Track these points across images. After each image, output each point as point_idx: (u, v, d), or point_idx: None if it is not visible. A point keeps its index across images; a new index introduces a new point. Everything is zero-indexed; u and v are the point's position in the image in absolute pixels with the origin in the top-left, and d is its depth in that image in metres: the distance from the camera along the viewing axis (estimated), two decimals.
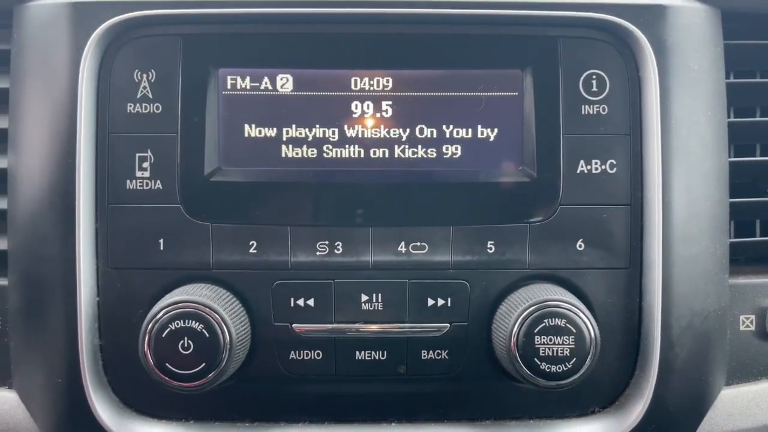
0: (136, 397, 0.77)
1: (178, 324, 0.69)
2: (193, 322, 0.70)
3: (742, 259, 0.85)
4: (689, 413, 0.78)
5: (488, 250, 0.76)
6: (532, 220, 0.76)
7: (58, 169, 0.75)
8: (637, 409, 0.75)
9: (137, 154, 0.75)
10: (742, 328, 0.80)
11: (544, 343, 0.70)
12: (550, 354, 0.70)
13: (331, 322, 0.75)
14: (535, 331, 0.70)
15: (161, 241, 0.75)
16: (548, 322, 0.70)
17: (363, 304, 0.75)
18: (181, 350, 0.69)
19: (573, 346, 0.70)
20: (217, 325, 0.70)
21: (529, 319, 0.70)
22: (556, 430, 0.76)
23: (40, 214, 0.76)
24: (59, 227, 0.75)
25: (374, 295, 0.75)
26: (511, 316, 0.71)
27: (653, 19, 0.75)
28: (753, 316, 0.80)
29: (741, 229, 0.85)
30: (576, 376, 0.70)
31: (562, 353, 0.70)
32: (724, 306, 0.78)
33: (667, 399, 0.76)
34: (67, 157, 0.75)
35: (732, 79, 0.83)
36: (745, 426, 0.78)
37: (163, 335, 0.69)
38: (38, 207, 0.76)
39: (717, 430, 0.78)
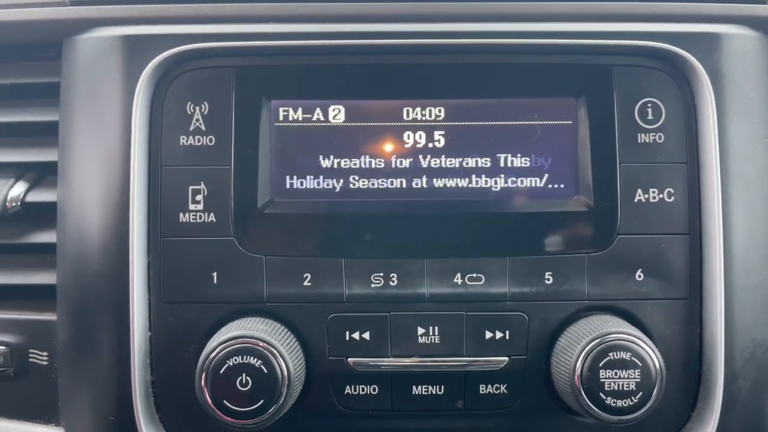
0: None
1: (236, 360, 0.68)
2: (251, 357, 0.68)
3: None
4: None
5: (546, 281, 0.74)
6: (590, 250, 0.75)
7: (111, 202, 0.75)
8: None
9: (190, 187, 0.75)
10: None
11: (609, 377, 0.68)
12: (616, 388, 0.68)
13: (388, 356, 0.74)
14: (600, 365, 0.68)
15: (214, 274, 0.74)
16: (613, 355, 0.69)
17: (419, 338, 0.74)
18: (239, 387, 0.68)
19: (639, 380, 0.68)
20: (275, 360, 0.69)
21: (593, 352, 0.69)
22: None
23: (92, 247, 0.75)
24: (111, 261, 0.74)
25: (431, 328, 0.74)
26: (574, 349, 0.70)
27: (709, 47, 0.75)
28: None
29: None
30: (642, 410, 0.68)
31: (628, 387, 0.68)
32: None
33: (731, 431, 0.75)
34: (120, 190, 0.74)
35: None
36: None
37: (221, 372, 0.68)
38: (89, 240, 0.75)
39: None
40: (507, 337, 0.74)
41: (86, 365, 0.76)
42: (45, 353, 0.78)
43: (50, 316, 0.78)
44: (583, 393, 0.68)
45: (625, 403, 0.68)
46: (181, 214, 0.75)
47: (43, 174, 0.81)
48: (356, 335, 0.74)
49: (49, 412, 0.78)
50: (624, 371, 0.68)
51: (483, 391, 0.74)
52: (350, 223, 0.75)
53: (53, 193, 0.78)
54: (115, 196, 0.75)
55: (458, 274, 0.75)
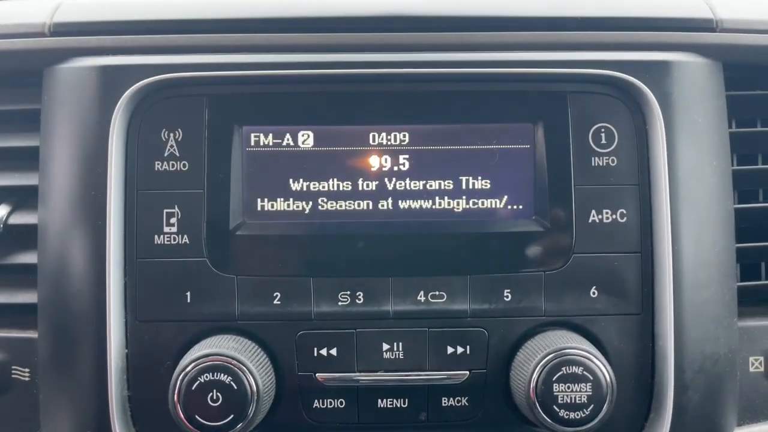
0: None
1: (207, 377, 0.72)
2: (222, 374, 0.72)
3: (748, 301, 0.87)
4: None
5: (505, 299, 0.78)
6: (546, 268, 0.78)
7: (89, 224, 0.78)
8: None
9: (165, 210, 0.78)
10: (751, 369, 0.83)
11: (562, 391, 0.72)
12: (569, 401, 0.72)
13: (354, 371, 0.77)
14: (554, 378, 0.72)
15: (188, 294, 0.78)
16: (566, 369, 0.72)
17: (384, 353, 0.77)
18: (210, 402, 0.71)
19: (590, 393, 0.72)
20: (244, 377, 0.72)
21: (547, 367, 0.72)
22: None
23: (71, 268, 0.78)
24: (89, 281, 0.78)
25: (395, 343, 0.78)
26: (530, 363, 0.73)
27: (659, 75, 0.79)
28: (762, 358, 0.82)
29: (746, 272, 0.87)
30: (594, 422, 0.72)
31: (580, 400, 0.72)
32: (734, 348, 0.81)
33: None
34: (97, 214, 0.77)
35: (734, 129, 0.86)
36: None
37: (193, 388, 0.71)
38: (68, 261, 0.79)
39: None
40: (468, 352, 0.77)
41: (66, 381, 0.79)
42: (27, 369, 0.81)
43: (32, 334, 0.81)
44: (537, 405, 0.72)
45: (578, 415, 0.72)
46: (156, 236, 0.78)
47: (25, 197, 0.84)
48: (324, 351, 0.77)
49: (31, 427, 0.82)
50: (576, 385, 0.72)
51: (445, 403, 0.78)
52: (318, 244, 0.78)
53: (34, 215, 0.82)
54: (93, 219, 0.78)
55: (421, 292, 0.78)
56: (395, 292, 0.78)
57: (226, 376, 0.72)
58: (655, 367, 0.79)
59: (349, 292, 0.78)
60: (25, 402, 0.81)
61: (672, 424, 0.77)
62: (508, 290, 0.78)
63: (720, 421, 0.80)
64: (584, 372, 0.72)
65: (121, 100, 0.77)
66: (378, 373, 0.77)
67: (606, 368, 0.72)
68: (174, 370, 0.74)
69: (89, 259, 0.78)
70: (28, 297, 0.82)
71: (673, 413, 0.77)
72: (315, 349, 0.77)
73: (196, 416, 0.71)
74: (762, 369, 0.83)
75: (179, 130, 0.79)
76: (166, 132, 0.79)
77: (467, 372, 0.77)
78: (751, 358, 0.82)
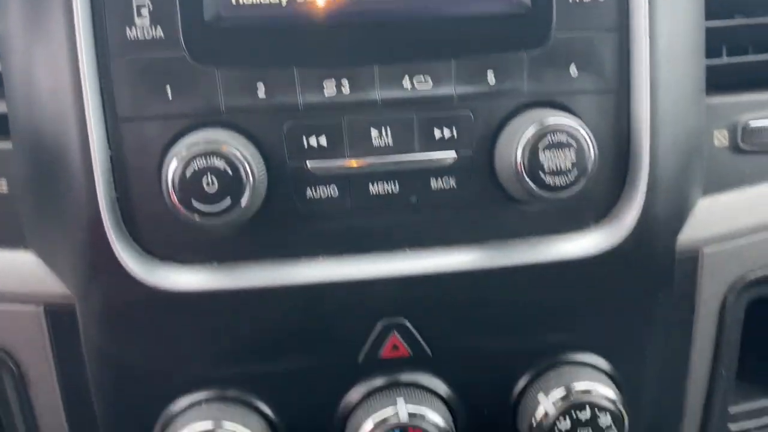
0: (157, 246, 0.79)
1: (200, 162, 0.71)
2: (215, 158, 0.71)
3: (712, 80, 0.90)
4: (672, 221, 0.85)
5: (489, 81, 0.79)
6: (528, 49, 0.79)
7: (53, 22, 0.73)
8: (629, 219, 0.82)
9: (134, 1, 0.74)
10: (716, 144, 0.88)
11: (548, 158, 0.75)
12: (554, 168, 0.75)
13: (344, 158, 0.78)
14: (539, 147, 0.75)
15: (168, 88, 0.75)
16: (551, 138, 0.75)
17: (374, 140, 0.78)
18: (205, 187, 0.71)
19: (574, 160, 0.75)
20: (238, 162, 0.72)
21: (532, 136, 0.75)
22: (556, 244, 0.83)
23: (41, 73, 0.75)
24: (62, 83, 0.74)
25: (383, 128, 0.78)
26: (516, 137, 0.76)
27: None
28: (726, 131, 0.87)
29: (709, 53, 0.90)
30: (578, 186, 0.75)
31: (565, 166, 0.75)
32: (703, 124, 0.85)
33: (654, 209, 0.83)
34: (63, 10, 0.73)
35: None
36: (720, 230, 0.87)
37: (187, 175, 0.71)
38: (37, 66, 0.75)
39: (696, 234, 0.86)
40: (454, 135, 0.79)
41: (50, 189, 0.77)
42: (3, 179, 0.79)
43: (5, 145, 0.78)
44: (524, 174, 0.75)
45: (563, 181, 0.75)
46: (128, 30, 0.74)
47: None
48: (313, 140, 0.77)
49: (14, 239, 0.80)
50: (561, 151, 0.75)
51: (434, 186, 0.80)
52: (299, 32, 0.76)
53: None
54: (59, 15, 0.73)
55: (406, 77, 0.78)
56: (381, 79, 0.78)
57: (220, 160, 0.71)
58: (631, 143, 0.82)
59: (334, 81, 0.77)
60: (5, 215, 0.79)
61: (646, 195, 0.82)
62: (492, 71, 0.79)
63: (688, 192, 0.86)
64: (568, 139, 0.75)
65: None
66: (369, 159, 0.78)
67: (588, 135, 0.75)
68: (161, 167, 0.73)
69: (59, 58, 0.74)
70: None
71: (648, 185, 0.82)
72: (304, 137, 0.77)
73: (192, 200, 0.71)
74: (726, 143, 0.88)
75: None
76: None
77: (454, 153, 0.79)
78: (716, 132, 0.87)
